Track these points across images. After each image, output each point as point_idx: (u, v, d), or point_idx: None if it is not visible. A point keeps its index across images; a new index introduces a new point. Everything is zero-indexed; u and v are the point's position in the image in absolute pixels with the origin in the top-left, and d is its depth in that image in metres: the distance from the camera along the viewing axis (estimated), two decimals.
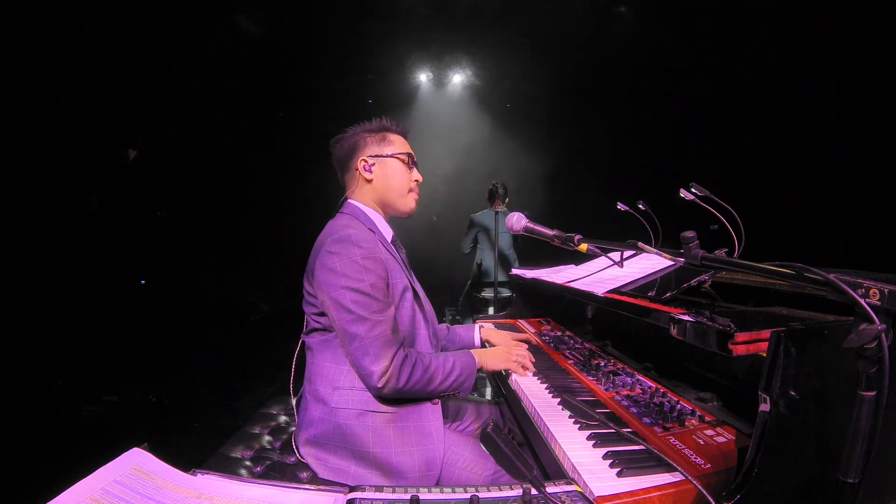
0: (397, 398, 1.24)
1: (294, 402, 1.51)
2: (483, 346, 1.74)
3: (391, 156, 1.38)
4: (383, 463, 1.18)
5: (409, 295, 1.33)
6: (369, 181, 1.38)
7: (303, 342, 1.37)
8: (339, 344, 1.25)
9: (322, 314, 1.26)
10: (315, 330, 1.30)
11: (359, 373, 1.19)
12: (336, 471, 1.20)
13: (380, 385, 1.16)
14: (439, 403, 1.29)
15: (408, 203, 1.42)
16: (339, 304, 1.18)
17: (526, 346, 1.56)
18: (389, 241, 1.38)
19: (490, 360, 1.43)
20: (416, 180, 1.43)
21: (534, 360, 1.48)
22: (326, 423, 1.23)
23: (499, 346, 1.59)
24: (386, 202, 1.40)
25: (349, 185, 1.42)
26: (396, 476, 1.18)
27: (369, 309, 1.18)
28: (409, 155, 1.41)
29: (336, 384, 1.25)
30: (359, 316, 1.17)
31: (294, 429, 1.42)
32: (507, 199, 4.24)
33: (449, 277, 5.29)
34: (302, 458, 1.27)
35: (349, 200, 1.40)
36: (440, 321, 1.77)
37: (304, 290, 1.31)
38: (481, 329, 1.76)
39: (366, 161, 1.36)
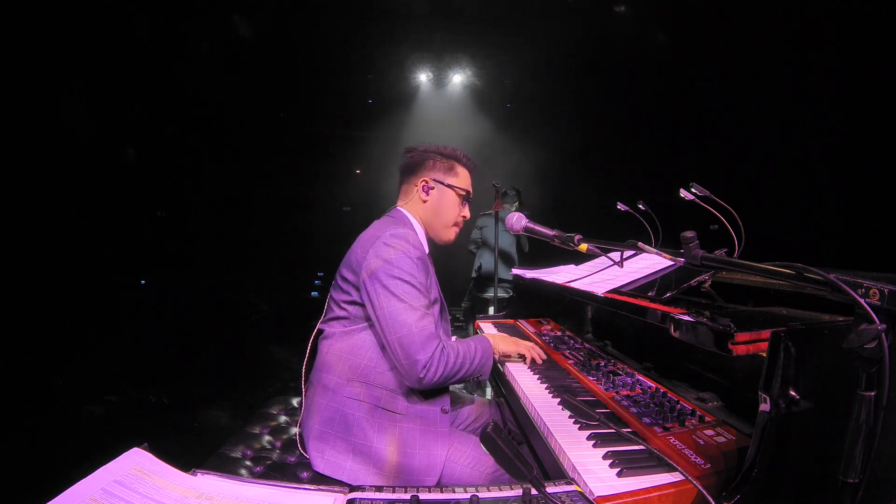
0: (408, 399, 1.26)
1: (295, 401, 1.51)
2: None
3: (451, 187, 1.43)
4: (383, 461, 1.19)
5: (438, 307, 1.39)
6: (424, 202, 1.43)
7: (318, 331, 1.39)
8: (365, 336, 1.28)
9: (353, 303, 1.29)
10: (338, 318, 1.33)
11: (402, 361, 1.20)
12: (332, 464, 1.21)
13: (421, 375, 1.18)
14: (449, 412, 1.31)
15: (448, 235, 1.47)
16: (391, 293, 1.21)
17: (531, 343, 1.57)
18: (427, 255, 1.42)
19: (501, 343, 1.49)
20: (464, 216, 1.48)
21: (544, 357, 1.52)
22: (333, 411, 1.25)
23: (498, 334, 1.61)
24: (430, 226, 1.45)
25: (405, 194, 1.47)
26: (395, 476, 1.18)
27: (418, 301, 1.23)
28: (467, 192, 1.46)
29: (352, 375, 1.27)
30: (410, 305, 1.21)
31: (299, 419, 1.43)
32: (510, 204, 4.24)
33: (450, 277, 5.29)
34: (304, 444, 1.29)
35: (399, 208, 1.45)
36: None
37: (340, 277, 1.34)
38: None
39: (427, 182, 1.42)
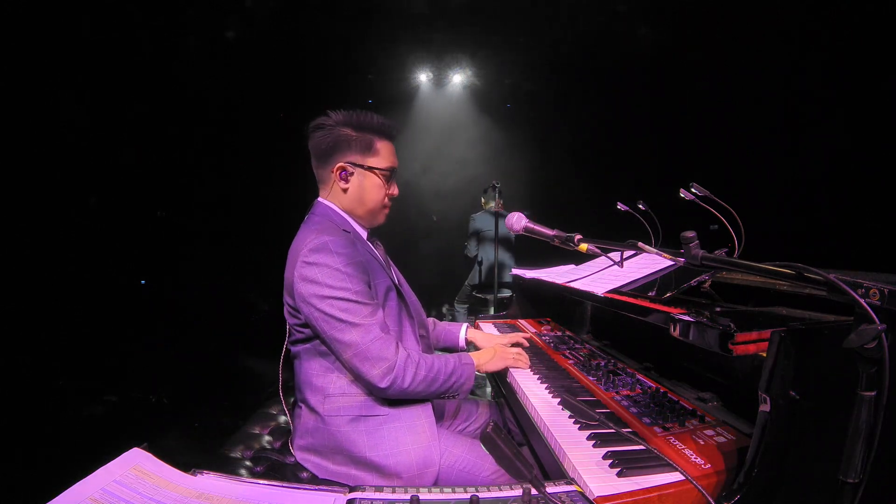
0: (389, 401, 1.22)
1: (287, 408, 1.50)
2: (468, 346, 1.73)
3: (372, 169, 1.29)
4: (380, 466, 1.18)
5: (394, 294, 1.30)
6: (344, 190, 1.30)
7: (287, 350, 1.35)
8: (326, 352, 1.22)
9: (304, 325, 1.22)
10: (299, 340, 1.27)
11: (361, 379, 1.17)
12: (337, 475, 1.20)
13: (384, 386, 1.14)
14: (430, 403, 1.28)
15: (377, 219, 1.36)
16: (327, 315, 1.14)
17: (517, 349, 1.55)
18: (365, 240, 1.34)
19: (487, 362, 1.42)
20: (392, 195, 1.35)
21: (529, 364, 1.48)
22: (321, 432, 1.22)
23: (485, 348, 1.55)
24: (356, 214, 1.34)
25: (323, 182, 1.34)
26: (394, 478, 1.18)
27: (359, 315, 1.15)
28: (391, 170, 1.32)
29: (326, 392, 1.22)
30: (350, 323, 1.14)
31: (292, 434, 1.43)
32: (491, 201, 4.23)
33: (448, 277, 5.29)
34: (301, 463, 1.27)
35: (320, 200, 1.34)
36: (441, 320, 1.78)
37: (284, 301, 1.27)
38: (468, 329, 1.75)
39: (344, 168, 1.28)
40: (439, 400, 1.45)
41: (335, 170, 1.29)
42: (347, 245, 1.19)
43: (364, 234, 1.35)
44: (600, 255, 1.20)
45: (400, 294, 1.33)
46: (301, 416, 1.28)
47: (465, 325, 1.77)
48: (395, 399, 1.22)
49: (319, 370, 1.24)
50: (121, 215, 4.20)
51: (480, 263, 4.35)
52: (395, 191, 1.35)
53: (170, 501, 0.65)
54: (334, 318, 1.14)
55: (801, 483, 0.75)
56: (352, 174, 1.29)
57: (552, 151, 5.89)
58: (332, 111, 1.31)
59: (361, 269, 1.20)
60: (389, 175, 1.33)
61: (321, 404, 1.22)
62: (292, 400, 1.38)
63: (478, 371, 1.38)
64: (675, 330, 0.95)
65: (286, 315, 1.28)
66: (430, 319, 1.71)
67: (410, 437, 1.21)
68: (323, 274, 1.14)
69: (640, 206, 1.86)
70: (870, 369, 0.60)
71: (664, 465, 0.83)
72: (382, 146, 1.31)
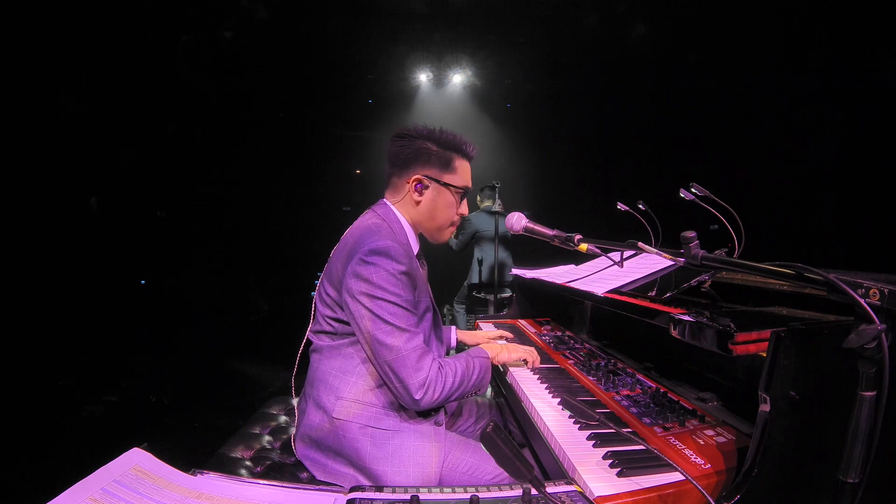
0: (400, 416, 1.21)
1: (295, 401, 1.49)
2: (459, 347, 1.73)
3: (448, 186, 1.29)
4: (379, 477, 1.17)
5: (429, 315, 1.30)
6: (417, 202, 1.30)
7: (308, 341, 1.33)
8: (350, 354, 1.21)
9: (338, 320, 1.21)
10: (325, 332, 1.26)
11: (395, 385, 1.14)
12: (335, 475, 1.20)
13: (418, 397, 1.12)
14: (443, 426, 1.27)
15: (443, 236, 1.37)
16: (375, 315, 1.13)
17: (531, 347, 1.56)
18: (414, 256, 1.32)
19: (501, 353, 1.43)
20: (462, 213, 1.36)
21: (539, 364, 1.50)
22: (326, 431, 1.21)
23: (493, 344, 1.55)
24: (422, 227, 1.34)
25: (394, 189, 1.33)
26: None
27: (406, 322, 1.15)
28: (465, 189, 1.33)
29: (340, 394, 1.21)
30: (397, 327, 1.13)
31: (293, 429, 1.42)
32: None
33: (447, 277, 5.29)
34: (300, 459, 1.26)
35: (387, 203, 1.33)
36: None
37: (323, 290, 1.25)
38: (455, 331, 1.76)
39: (420, 181, 1.28)
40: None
41: (411, 181, 1.28)
42: (406, 256, 1.19)
43: (416, 250, 1.34)
44: (600, 255, 1.20)
45: (435, 314, 1.34)
46: (308, 411, 1.27)
47: (453, 329, 1.77)
48: (407, 413, 1.22)
49: (339, 370, 1.23)
50: (121, 216, 4.20)
51: (480, 263, 4.35)
52: (465, 210, 1.36)
53: (170, 501, 0.65)
54: (381, 320, 1.13)
55: (801, 483, 0.75)
56: (427, 188, 1.29)
57: (552, 151, 5.89)
58: (417, 123, 1.32)
59: (414, 281, 1.20)
60: (463, 194, 1.33)
61: (332, 405, 1.21)
62: (302, 392, 1.37)
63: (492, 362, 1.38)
64: (674, 330, 0.95)
65: (319, 304, 1.27)
66: None
67: (416, 458, 1.19)
68: (379, 276, 1.14)
69: (640, 206, 1.86)
70: (870, 369, 0.60)
71: (664, 465, 0.83)
72: (461, 165, 1.31)
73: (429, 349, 1.18)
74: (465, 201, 1.35)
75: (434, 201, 1.30)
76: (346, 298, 1.17)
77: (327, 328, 1.25)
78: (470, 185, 1.34)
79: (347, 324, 1.20)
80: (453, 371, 1.20)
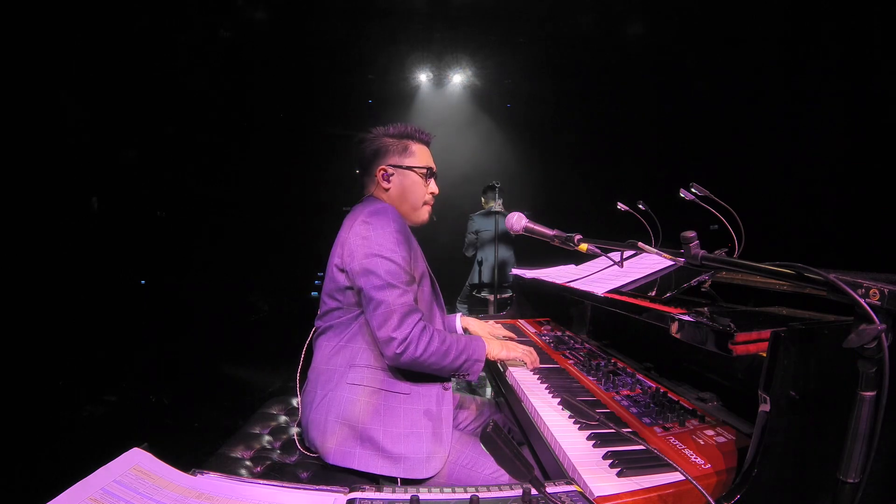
0: (411, 380, 1.26)
1: (296, 401, 1.50)
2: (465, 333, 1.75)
3: (410, 168, 1.40)
4: (388, 447, 1.18)
5: (428, 281, 1.39)
6: (387, 189, 1.41)
7: (314, 330, 1.38)
8: (362, 322, 1.27)
9: (345, 289, 1.28)
10: (331, 310, 1.32)
11: (379, 338, 1.20)
12: (342, 453, 1.20)
13: (398, 351, 1.17)
14: (450, 390, 1.31)
15: (420, 216, 1.45)
16: (370, 271, 1.21)
17: (530, 347, 1.56)
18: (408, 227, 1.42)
19: (497, 348, 1.44)
20: (432, 192, 1.45)
21: (538, 364, 1.49)
22: (335, 400, 1.24)
23: (494, 339, 1.57)
24: (401, 211, 1.41)
25: (368, 188, 1.44)
26: (400, 461, 1.17)
27: (399, 278, 1.22)
28: (428, 169, 1.43)
29: (353, 361, 1.27)
30: (388, 283, 1.20)
31: (295, 428, 1.42)
32: (491, 201, 4.26)
33: (448, 277, 5.29)
34: (309, 440, 1.28)
35: (368, 197, 1.43)
36: None
37: (328, 267, 1.32)
38: (461, 318, 1.79)
39: (385, 170, 1.39)
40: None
41: (377, 172, 1.40)
42: (401, 220, 1.31)
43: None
44: (600, 255, 1.20)
45: (433, 283, 1.42)
46: (317, 387, 1.30)
47: (458, 315, 1.80)
48: (417, 376, 1.26)
49: (349, 340, 1.29)
50: (121, 216, 4.20)
51: (480, 263, 4.35)
52: (434, 189, 1.46)
53: (170, 501, 0.65)
54: (375, 275, 1.21)
55: (801, 483, 0.75)
56: (392, 175, 1.40)
57: (552, 151, 5.89)
58: (374, 127, 1.45)
59: (410, 243, 1.30)
60: (426, 173, 1.43)
61: (344, 373, 1.26)
62: (305, 386, 1.38)
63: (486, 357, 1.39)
64: (674, 330, 0.95)
65: (326, 285, 1.34)
66: None
67: (426, 420, 1.24)
68: (377, 233, 1.24)
69: (640, 206, 1.86)
70: (870, 369, 0.60)
71: (664, 465, 0.83)
72: (417, 148, 1.43)
73: (418, 309, 1.24)
74: (432, 180, 1.45)
75: (402, 184, 1.41)
76: (346, 260, 1.26)
77: (334, 305, 1.31)
78: (432, 165, 1.45)
79: (352, 289, 1.27)
80: (441, 338, 1.24)
